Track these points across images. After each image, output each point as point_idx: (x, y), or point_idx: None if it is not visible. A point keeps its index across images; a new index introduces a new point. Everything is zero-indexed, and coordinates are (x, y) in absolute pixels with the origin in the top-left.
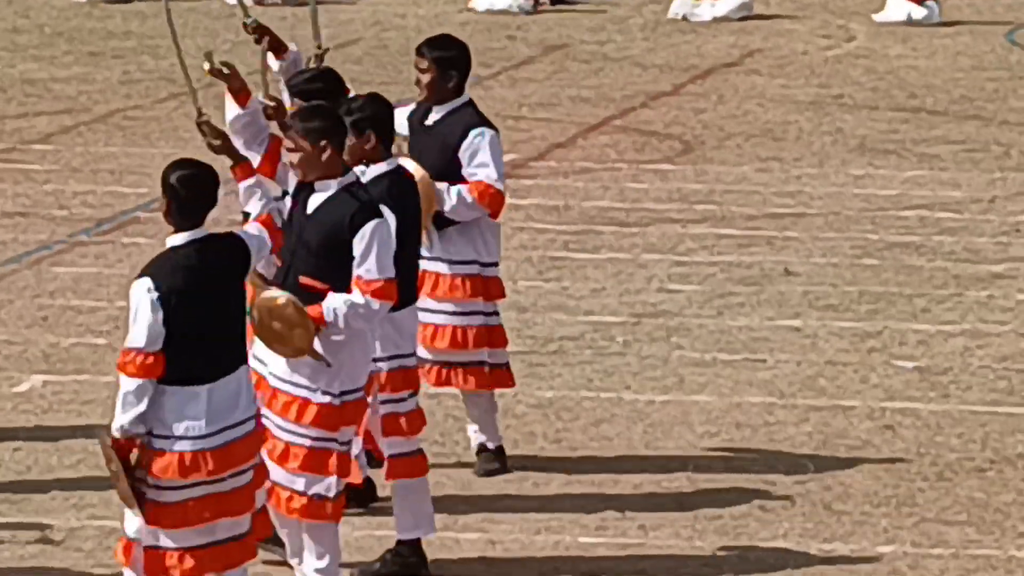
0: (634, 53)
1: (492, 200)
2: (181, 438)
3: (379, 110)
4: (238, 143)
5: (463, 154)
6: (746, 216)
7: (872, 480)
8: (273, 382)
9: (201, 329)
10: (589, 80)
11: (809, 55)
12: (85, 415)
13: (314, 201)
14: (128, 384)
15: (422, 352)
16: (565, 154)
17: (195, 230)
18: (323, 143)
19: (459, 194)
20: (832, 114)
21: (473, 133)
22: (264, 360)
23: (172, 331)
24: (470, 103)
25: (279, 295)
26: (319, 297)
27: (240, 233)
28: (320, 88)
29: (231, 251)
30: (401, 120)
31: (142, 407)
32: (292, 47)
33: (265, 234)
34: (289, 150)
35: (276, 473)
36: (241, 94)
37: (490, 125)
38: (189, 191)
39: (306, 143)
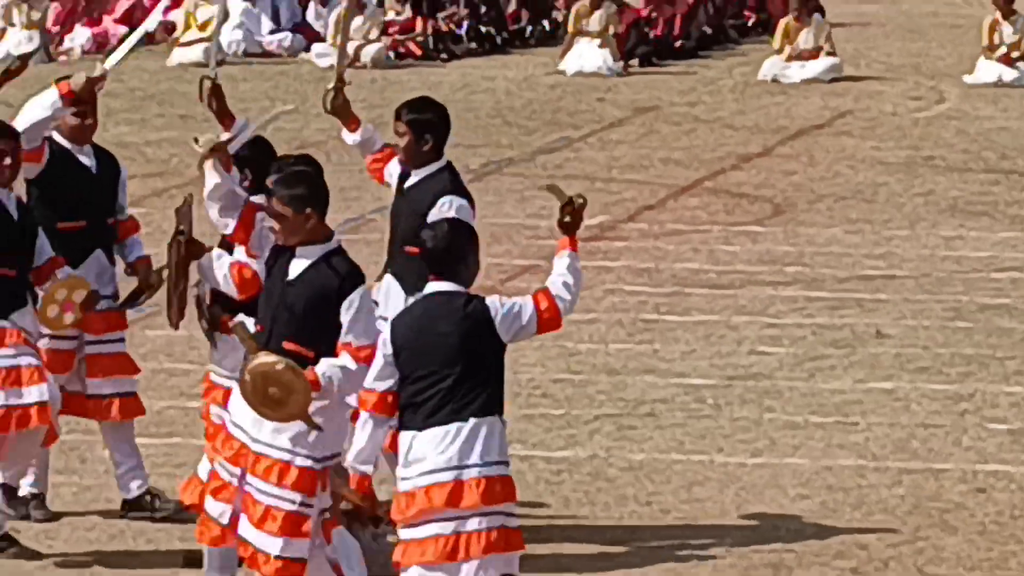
0: (724, 114)
1: None
2: (400, 479)
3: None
4: (213, 210)
5: (431, 220)
6: (837, 278)
7: (965, 543)
8: (256, 447)
9: (420, 378)
10: (679, 142)
11: (900, 117)
12: (178, 478)
13: (296, 267)
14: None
15: None
16: (655, 216)
17: (438, 283)
18: (308, 211)
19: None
20: (923, 176)
21: (441, 201)
22: (245, 427)
23: (403, 375)
24: (447, 167)
25: (276, 360)
26: (305, 362)
27: (488, 301)
28: (247, 155)
29: (466, 312)
30: (393, 175)
31: (361, 442)
32: (239, 120)
33: (534, 320)
34: (272, 216)
35: (253, 535)
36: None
37: (461, 193)
38: (440, 243)
39: (290, 210)
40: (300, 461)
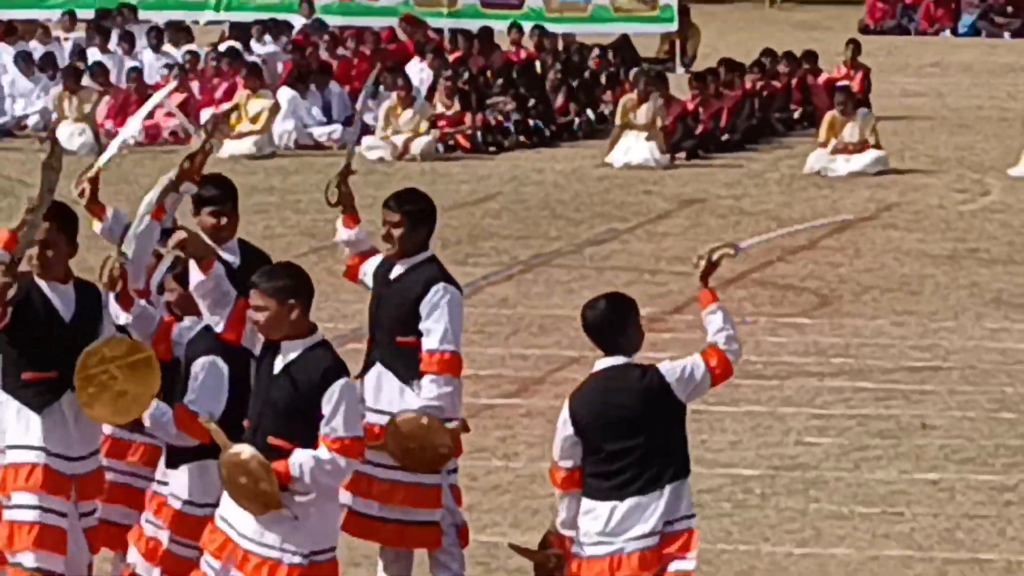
0: (770, 207)
1: (449, 365)
2: (582, 544)
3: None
4: (202, 306)
5: (423, 307)
6: (883, 369)
7: None
8: (244, 544)
9: (611, 453)
10: (726, 234)
11: (945, 209)
12: None
13: (280, 362)
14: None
15: (370, 508)
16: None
17: (607, 358)
18: (291, 302)
19: (430, 384)
20: (968, 268)
21: (435, 288)
22: (233, 523)
23: (590, 450)
24: (434, 259)
25: (242, 449)
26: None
27: (662, 368)
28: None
29: (643, 384)
30: (368, 272)
31: (562, 516)
32: (109, 210)
33: (708, 377)
34: (255, 308)
35: None
36: (204, 261)
37: (453, 283)
38: (598, 319)
39: (273, 302)
40: (288, 559)
